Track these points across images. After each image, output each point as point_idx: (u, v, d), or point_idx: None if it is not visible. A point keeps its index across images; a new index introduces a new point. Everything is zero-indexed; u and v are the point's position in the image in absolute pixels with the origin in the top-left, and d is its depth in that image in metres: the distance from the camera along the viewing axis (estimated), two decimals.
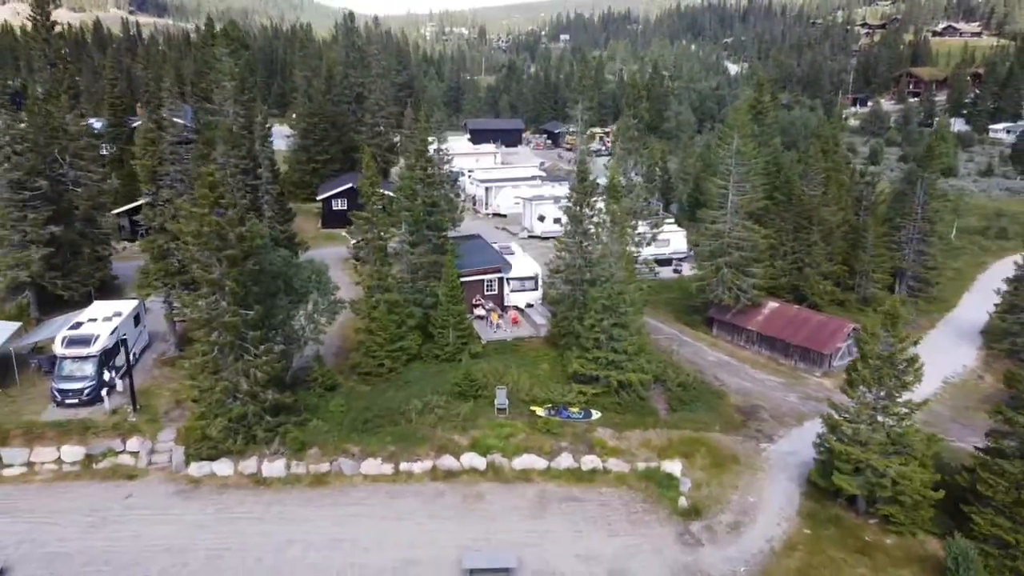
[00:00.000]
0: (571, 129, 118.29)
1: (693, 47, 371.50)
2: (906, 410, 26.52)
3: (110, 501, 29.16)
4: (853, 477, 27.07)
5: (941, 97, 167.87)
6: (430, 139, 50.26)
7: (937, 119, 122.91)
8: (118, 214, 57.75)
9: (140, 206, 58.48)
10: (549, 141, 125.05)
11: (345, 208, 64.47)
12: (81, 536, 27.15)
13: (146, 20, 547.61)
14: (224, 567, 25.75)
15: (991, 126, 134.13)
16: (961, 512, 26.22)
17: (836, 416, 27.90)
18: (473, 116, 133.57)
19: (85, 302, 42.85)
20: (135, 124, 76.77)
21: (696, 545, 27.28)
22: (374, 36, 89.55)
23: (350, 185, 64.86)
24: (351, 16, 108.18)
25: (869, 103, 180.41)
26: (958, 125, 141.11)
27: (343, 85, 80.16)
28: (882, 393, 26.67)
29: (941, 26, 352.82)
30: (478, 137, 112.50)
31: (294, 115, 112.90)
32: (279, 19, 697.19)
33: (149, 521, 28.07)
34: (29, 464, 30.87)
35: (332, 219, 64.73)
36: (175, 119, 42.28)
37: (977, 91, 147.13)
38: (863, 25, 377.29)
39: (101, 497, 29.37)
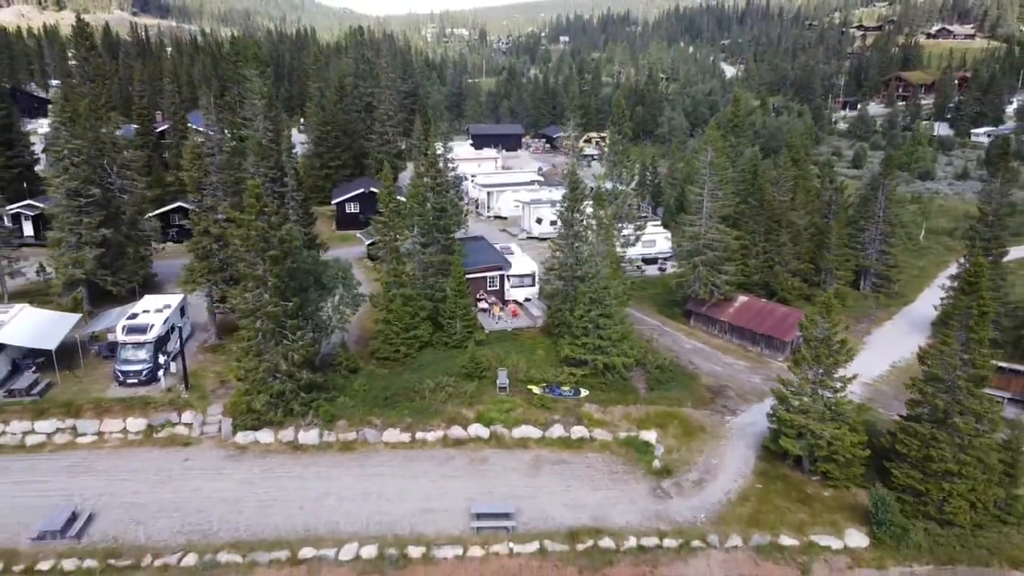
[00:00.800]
0: (567, 136, 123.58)
1: (691, 48, 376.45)
2: (840, 384, 31.78)
3: (171, 463, 34.46)
4: (797, 440, 32.36)
5: (928, 101, 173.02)
6: (438, 149, 55.65)
7: (916, 124, 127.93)
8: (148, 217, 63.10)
9: (169, 210, 64.16)
10: (548, 145, 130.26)
11: (358, 211, 69.88)
12: (151, 490, 32.43)
13: (150, 21, 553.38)
14: (272, 513, 31.03)
15: (973, 130, 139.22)
16: (885, 468, 31.50)
17: (784, 390, 33.18)
18: (475, 121, 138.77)
19: (130, 297, 48.33)
20: (160, 129, 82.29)
21: (666, 497, 32.58)
22: (382, 46, 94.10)
23: (362, 190, 70.24)
24: (360, 30, 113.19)
25: (859, 106, 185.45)
26: (942, 129, 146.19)
27: (353, 95, 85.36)
28: (820, 370, 31.94)
29: (935, 28, 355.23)
30: (480, 142, 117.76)
31: (302, 120, 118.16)
32: (280, 19, 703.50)
33: (206, 479, 33.37)
34: (99, 433, 36.17)
35: (346, 222, 69.95)
36: (210, 131, 47.47)
37: (961, 96, 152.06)
38: (859, 27, 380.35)
39: (163, 460, 34.67)
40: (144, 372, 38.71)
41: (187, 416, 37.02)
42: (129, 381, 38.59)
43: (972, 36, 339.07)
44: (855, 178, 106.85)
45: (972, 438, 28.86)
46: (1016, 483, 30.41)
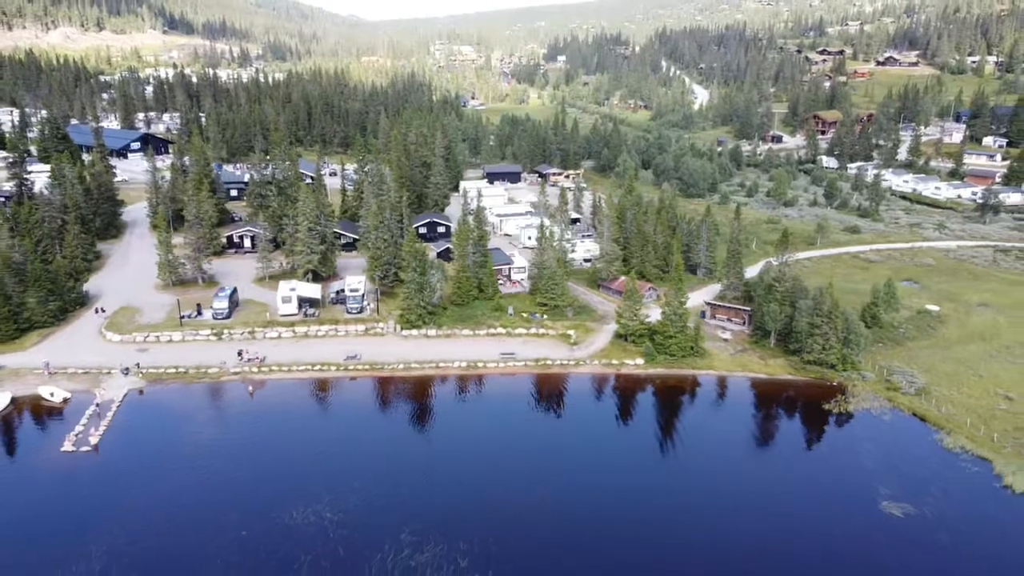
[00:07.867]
0: (553, 172, 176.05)
1: (672, 71, 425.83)
2: (640, 307, 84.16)
3: (377, 342, 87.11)
4: (624, 329, 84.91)
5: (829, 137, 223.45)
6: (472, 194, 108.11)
7: (779, 167, 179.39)
8: None
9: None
10: (540, 179, 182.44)
11: (426, 232, 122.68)
12: (375, 350, 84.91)
13: (181, 40, 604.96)
14: (425, 355, 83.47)
15: (849, 165, 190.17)
16: (653, 337, 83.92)
17: (620, 311, 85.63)
18: (487, 161, 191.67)
19: (330, 278, 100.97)
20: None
21: (573, 351, 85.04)
22: (435, 132, 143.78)
23: (428, 220, 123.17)
24: (426, 130, 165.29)
25: (784, 140, 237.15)
26: (831, 163, 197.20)
27: (415, 157, 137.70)
28: (633, 302, 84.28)
29: (885, 55, 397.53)
30: (492, 177, 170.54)
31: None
32: (296, 31, 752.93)
33: (394, 347, 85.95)
34: (347, 332, 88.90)
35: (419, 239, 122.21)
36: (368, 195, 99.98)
37: (845, 135, 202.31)
38: (821, 51, 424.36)
39: (375, 341, 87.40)
40: (359, 308, 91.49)
41: (380, 325, 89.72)
42: (353, 313, 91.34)
43: (916, 64, 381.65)
44: (744, 204, 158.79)
45: (677, 323, 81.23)
46: (700, 340, 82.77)
